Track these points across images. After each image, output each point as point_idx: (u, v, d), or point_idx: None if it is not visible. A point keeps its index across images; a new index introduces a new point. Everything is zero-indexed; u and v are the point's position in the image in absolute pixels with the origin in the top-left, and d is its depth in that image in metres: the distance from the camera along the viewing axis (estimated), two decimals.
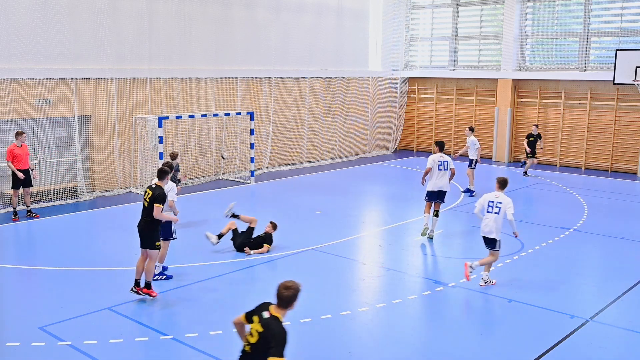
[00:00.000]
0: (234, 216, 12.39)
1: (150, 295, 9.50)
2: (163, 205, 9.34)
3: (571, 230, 13.99)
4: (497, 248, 10.32)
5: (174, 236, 10.64)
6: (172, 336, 8.36)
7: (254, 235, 12.13)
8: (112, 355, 7.83)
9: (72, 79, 16.24)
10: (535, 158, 20.78)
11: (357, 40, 25.26)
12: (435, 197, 13.04)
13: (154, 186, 9.49)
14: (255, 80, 21.03)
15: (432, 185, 12.91)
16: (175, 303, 9.68)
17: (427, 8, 26.82)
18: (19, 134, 14.20)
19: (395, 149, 27.40)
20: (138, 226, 9.54)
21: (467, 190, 17.74)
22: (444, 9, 26.17)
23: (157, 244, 9.44)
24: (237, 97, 20.44)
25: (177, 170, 14.45)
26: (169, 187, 10.29)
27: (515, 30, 23.71)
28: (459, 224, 14.51)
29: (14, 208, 14.50)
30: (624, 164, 21.86)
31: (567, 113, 22.94)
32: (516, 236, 10.38)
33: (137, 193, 17.57)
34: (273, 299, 5.49)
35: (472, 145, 17.76)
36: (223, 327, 8.63)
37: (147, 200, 9.39)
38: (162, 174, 9.78)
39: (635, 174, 21.43)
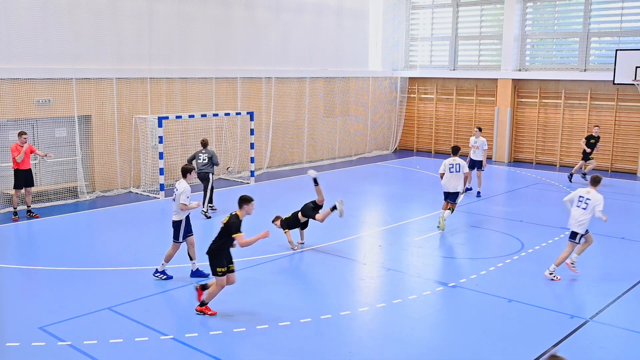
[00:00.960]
0: (315, 182, 12.31)
1: (205, 312, 9.04)
2: (240, 231, 8.86)
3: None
4: (576, 240, 10.63)
5: (180, 240, 10.49)
6: (172, 336, 8.36)
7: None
8: (112, 355, 7.84)
9: (72, 79, 16.25)
10: (593, 160, 19.58)
11: (357, 40, 25.26)
12: (446, 197, 13.93)
13: (233, 213, 9.02)
14: (255, 80, 21.03)
15: (445, 186, 13.88)
16: (176, 303, 9.68)
17: (427, 8, 26.82)
18: (21, 134, 14.27)
19: (395, 149, 27.40)
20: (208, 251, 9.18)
21: (468, 189, 17.73)
22: (444, 9, 26.17)
23: (218, 270, 8.98)
24: (237, 97, 20.44)
25: (216, 163, 15.15)
26: (182, 188, 10.23)
27: (515, 30, 23.72)
28: (459, 224, 14.50)
29: (15, 208, 14.50)
30: (624, 164, 21.85)
31: (567, 113, 22.94)
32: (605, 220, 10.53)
33: (137, 193, 17.58)
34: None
35: (482, 146, 17.51)
36: (223, 327, 8.64)
37: (223, 224, 9.02)
38: (183, 171, 10.42)
39: (635, 174, 21.43)
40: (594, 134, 19.59)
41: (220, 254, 9.02)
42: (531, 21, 24.28)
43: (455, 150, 14.07)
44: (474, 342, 8.36)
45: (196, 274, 10.65)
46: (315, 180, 12.32)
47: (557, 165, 23.08)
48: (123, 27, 17.39)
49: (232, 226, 8.85)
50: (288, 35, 22.03)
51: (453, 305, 9.77)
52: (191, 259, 10.67)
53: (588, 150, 19.38)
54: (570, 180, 19.63)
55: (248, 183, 19.38)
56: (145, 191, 17.64)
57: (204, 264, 10.99)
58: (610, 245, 12.96)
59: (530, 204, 17.02)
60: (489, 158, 23.96)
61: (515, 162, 24.23)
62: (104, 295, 9.74)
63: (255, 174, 19.96)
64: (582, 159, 19.63)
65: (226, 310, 9.12)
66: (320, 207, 12.28)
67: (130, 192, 17.75)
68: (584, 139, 19.75)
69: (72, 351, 7.91)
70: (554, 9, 23.65)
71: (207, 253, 9.09)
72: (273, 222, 12.44)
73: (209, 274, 10.68)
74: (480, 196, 17.39)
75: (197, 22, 19.20)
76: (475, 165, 17.48)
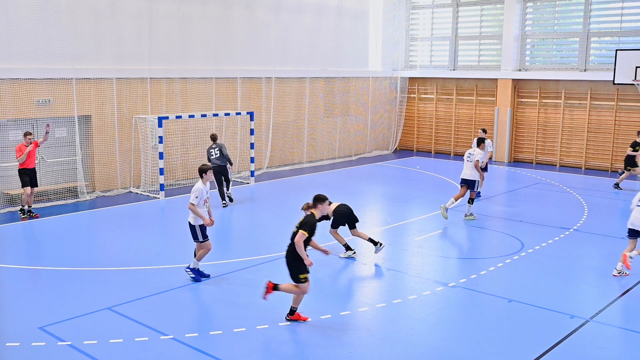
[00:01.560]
0: (372, 241, 12.02)
1: (298, 320, 8.82)
2: (311, 235, 8.52)
3: (571, 230, 13.99)
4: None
5: (200, 239, 10.35)
6: (172, 336, 8.36)
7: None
8: (112, 355, 7.84)
9: (72, 79, 16.25)
10: (637, 168, 18.66)
11: (357, 40, 25.26)
12: (464, 183, 14.79)
13: (308, 213, 8.72)
14: (255, 80, 21.03)
15: (462, 173, 14.88)
16: (176, 303, 9.68)
17: (427, 8, 26.82)
18: (26, 135, 14.34)
19: (395, 149, 27.40)
20: (285, 254, 8.74)
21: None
22: (444, 9, 26.18)
23: (301, 276, 8.53)
24: (237, 97, 20.44)
25: (226, 156, 16.10)
26: (194, 188, 10.20)
27: (515, 30, 23.72)
28: (459, 224, 14.50)
29: (23, 206, 14.50)
30: (623, 164, 21.82)
31: (567, 113, 22.94)
32: None
33: (137, 193, 17.58)
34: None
35: (487, 147, 17.40)
36: (223, 327, 8.64)
37: (297, 225, 8.66)
38: (199, 172, 10.40)
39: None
40: (638, 140, 18.79)
41: (298, 257, 8.51)
42: (531, 21, 24.28)
43: (477, 142, 15.05)
44: (474, 342, 8.36)
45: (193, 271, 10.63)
46: (372, 241, 12.05)
47: (557, 165, 23.08)
48: (123, 27, 17.39)
49: (307, 224, 8.47)
50: (288, 35, 22.03)
51: (453, 305, 9.76)
52: (195, 257, 10.62)
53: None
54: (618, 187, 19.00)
55: (248, 183, 19.38)
56: (145, 191, 17.64)
57: (205, 264, 11.02)
58: (610, 245, 12.95)
59: (530, 204, 17.02)
60: (488, 157, 23.92)
61: (515, 162, 24.23)
62: (104, 295, 9.74)
63: (255, 174, 19.96)
64: (626, 169, 18.89)
65: (226, 310, 9.12)
66: (353, 218, 11.96)
67: (130, 192, 17.75)
68: (630, 147, 18.83)
69: (72, 351, 7.91)
70: (554, 9, 23.65)
71: (287, 259, 8.60)
72: (303, 209, 12.15)
73: (209, 275, 10.67)
74: (480, 196, 17.38)
75: (197, 22, 19.20)
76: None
